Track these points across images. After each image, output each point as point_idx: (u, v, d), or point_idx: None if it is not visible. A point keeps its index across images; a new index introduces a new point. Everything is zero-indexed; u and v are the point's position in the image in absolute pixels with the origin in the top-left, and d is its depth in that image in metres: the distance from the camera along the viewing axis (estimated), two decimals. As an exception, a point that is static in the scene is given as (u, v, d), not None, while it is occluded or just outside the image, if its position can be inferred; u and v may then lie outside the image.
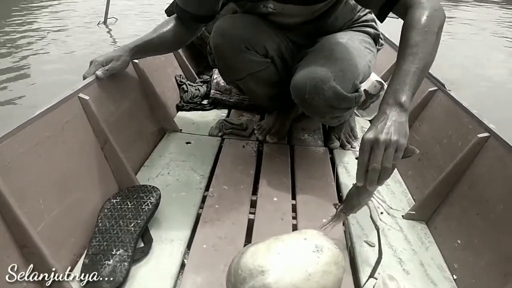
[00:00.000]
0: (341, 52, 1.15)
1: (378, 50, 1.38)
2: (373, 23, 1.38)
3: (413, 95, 0.81)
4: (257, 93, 1.41)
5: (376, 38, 1.36)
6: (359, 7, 1.35)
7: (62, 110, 0.96)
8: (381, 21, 1.06)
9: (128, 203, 1.02)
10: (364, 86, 1.41)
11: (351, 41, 1.22)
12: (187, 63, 1.94)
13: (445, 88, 1.26)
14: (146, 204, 1.01)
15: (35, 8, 5.07)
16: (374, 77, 1.57)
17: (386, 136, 0.74)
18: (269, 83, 1.34)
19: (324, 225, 0.89)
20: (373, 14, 1.39)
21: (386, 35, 1.87)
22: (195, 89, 1.83)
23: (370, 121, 1.71)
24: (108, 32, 4.12)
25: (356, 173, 0.78)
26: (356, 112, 1.71)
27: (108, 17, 4.34)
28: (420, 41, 0.83)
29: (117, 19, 4.38)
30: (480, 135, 1.00)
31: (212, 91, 1.81)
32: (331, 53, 1.14)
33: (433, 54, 0.85)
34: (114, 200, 1.02)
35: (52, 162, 0.89)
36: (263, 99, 1.48)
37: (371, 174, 0.74)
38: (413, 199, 1.21)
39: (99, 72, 1.13)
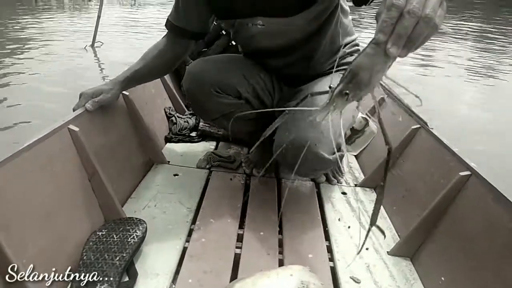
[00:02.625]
0: None
1: None
2: None
3: None
4: (234, 131, 1.43)
5: None
6: (347, 40, 1.35)
7: (51, 141, 0.97)
8: (357, 5, 1.02)
9: (114, 235, 1.01)
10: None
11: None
12: (177, 95, 1.97)
13: (428, 126, 1.30)
14: (132, 237, 1.01)
15: (23, 26, 5.12)
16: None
17: None
18: (246, 121, 1.36)
19: (321, 114, 0.64)
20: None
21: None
22: (184, 121, 1.85)
23: (355, 156, 1.74)
24: (95, 56, 4.16)
25: (379, 24, 0.53)
26: (342, 147, 1.74)
27: (95, 40, 4.41)
28: None
29: (102, 43, 4.45)
30: (461, 173, 1.03)
31: (201, 123, 1.83)
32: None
33: None
34: (100, 233, 1.01)
35: (38, 194, 0.89)
36: (242, 136, 1.51)
37: (405, 21, 0.50)
38: (398, 235, 1.22)
39: (88, 105, 1.15)
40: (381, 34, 0.52)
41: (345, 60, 1.36)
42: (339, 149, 1.13)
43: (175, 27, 1.29)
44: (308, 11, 1.16)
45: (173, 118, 1.84)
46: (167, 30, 1.33)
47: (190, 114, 1.95)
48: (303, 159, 1.05)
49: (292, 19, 1.18)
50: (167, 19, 1.31)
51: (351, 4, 1.11)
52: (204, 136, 1.83)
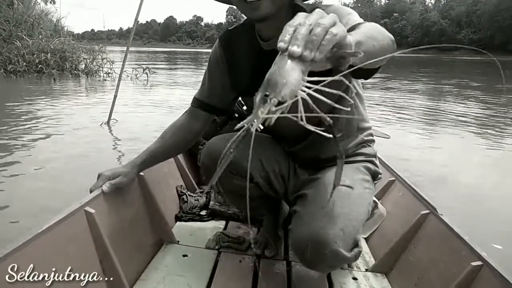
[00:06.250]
0: (342, 206, 1.10)
1: (375, 184, 1.37)
2: (374, 159, 1.36)
3: (359, 45, 0.69)
4: (238, 205, 1.49)
5: (375, 175, 1.35)
6: (363, 125, 1.35)
7: (68, 224, 1.00)
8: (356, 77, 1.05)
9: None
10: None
11: (353, 187, 1.19)
12: (189, 173, 2.02)
13: (437, 212, 1.31)
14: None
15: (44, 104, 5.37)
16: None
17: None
18: (251, 198, 1.38)
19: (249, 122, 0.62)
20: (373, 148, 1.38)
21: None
22: (195, 200, 1.88)
23: (365, 238, 1.73)
24: (110, 132, 4.33)
25: (280, 37, 0.59)
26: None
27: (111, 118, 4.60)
28: (370, 25, 0.81)
29: (117, 120, 4.64)
30: (473, 263, 1.03)
31: (211, 202, 1.86)
32: (332, 208, 1.09)
33: (383, 38, 0.80)
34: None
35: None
36: (244, 210, 1.54)
37: (300, 29, 0.58)
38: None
39: (105, 187, 1.20)
40: (281, 42, 0.58)
41: (362, 150, 1.34)
42: (356, 245, 1.10)
43: (198, 100, 1.37)
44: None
45: (184, 196, 1.87)
46: (189, 106, 1.40)
47: (200, 192, 1.98)
48: (322, 257, 1.04)
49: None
50: (194, 96, 1.40)
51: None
52: (214, 215, 1.84)
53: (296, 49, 0.57)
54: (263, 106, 0.59)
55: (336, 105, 0.62)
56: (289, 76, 0.59)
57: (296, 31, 0.58)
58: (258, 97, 0.60)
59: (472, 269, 1.03)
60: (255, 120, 0.60)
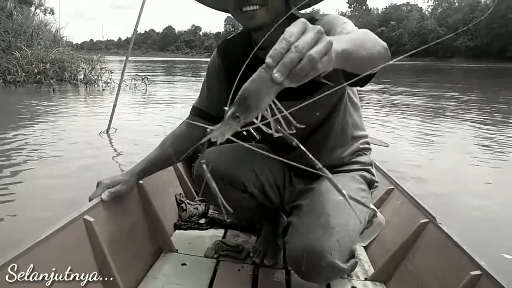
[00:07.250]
0: (339, 217, 1.10)
1: (372, 192, 1.39)
2: (370, 167, 1.38)
3: (345, 53, 0.70)
4: (235, 216, 1.50)
5: (371, 184, 1.36)
6: (358, 134, 1.36)
7: (66, 233, 1.00)
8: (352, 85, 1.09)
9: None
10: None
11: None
12: (188, 181, 2.02)
13: (436, 221, 1.31)
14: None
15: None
16: (367, 205, 1.63)
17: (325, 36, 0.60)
18: (247, 209, 1.39)
19: (215, 133, 0.62)
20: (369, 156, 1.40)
21: (378, 164, 1.97)
22: (194, 208, 1.88)
23: (364, 247, 1.72)
24: (109, 141, 4.34)
25: (271, 51, 0.57)
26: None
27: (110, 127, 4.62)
28: (361, 33, 0.85)
29: (116, 129, 4.66)
30: (472, 273, 1.02)
31: (210, 210, 1.86)
32: (327, 219, 1.10)
33: (373, 46, 0.82)
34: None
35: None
36: (241, 220, 1.57)
37: (292, 54, 0.56)
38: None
39: (104, 196, 1.20)
40: (270, 59, 0.56)
41: (357, 159, 1.35)
42: (352, 256, 1.10)
43: (197, 109, 1.39)
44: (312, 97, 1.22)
45: (183, 205, 1.87)
46: (188, 115, 1.42)
47: (199, 200, 1.98)
48: (318, 269, 1.04)
49: (294, 103, 1.23)
50: (193, 104, 1.41)
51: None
52: (212, 223, 1.84)
53: (279, 77, 0.56)
54: (231, 124, 0.61)
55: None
56: (264, 101, 0.60)
57: (287, 54, 0.56)
58: (229, 112, 0.61)
59: (471, 278, 1.03)
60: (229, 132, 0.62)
